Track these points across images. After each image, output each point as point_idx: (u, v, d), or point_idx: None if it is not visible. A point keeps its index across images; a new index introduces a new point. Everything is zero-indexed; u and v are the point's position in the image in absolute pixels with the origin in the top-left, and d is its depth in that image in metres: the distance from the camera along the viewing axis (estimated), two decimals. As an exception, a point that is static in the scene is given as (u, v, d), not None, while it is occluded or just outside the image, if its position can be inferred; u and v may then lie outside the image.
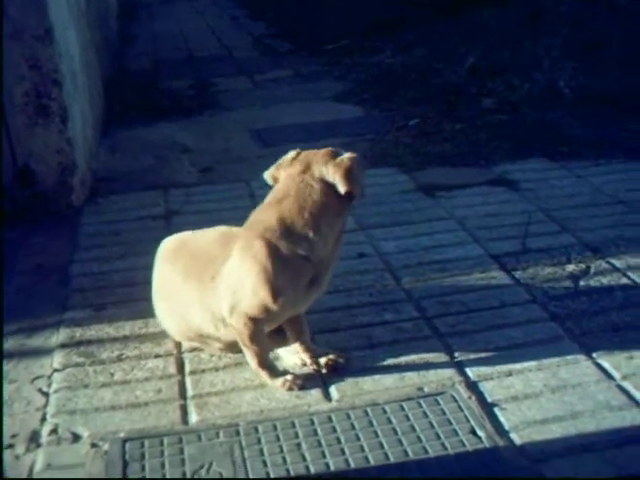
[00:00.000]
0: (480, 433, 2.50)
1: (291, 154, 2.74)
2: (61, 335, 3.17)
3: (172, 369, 2.91)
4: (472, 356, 2.89)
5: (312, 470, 2.38)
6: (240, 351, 2.82)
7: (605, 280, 3.39)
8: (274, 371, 2.79)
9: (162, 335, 3.10)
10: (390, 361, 2.88)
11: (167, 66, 8.60)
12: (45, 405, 2.73)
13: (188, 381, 2.84)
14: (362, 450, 2.46)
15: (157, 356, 2.99)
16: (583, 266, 3.51)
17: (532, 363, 2.83)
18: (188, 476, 2.38)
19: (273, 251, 2.59)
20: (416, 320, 3.15)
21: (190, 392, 2.77)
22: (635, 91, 5.78)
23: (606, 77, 6.13)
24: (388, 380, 2.78)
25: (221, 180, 4.81)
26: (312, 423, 2.59)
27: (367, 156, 5.13)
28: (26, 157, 4.32)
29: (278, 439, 2.52)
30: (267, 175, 2.77)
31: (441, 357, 2.90)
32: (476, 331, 3.05)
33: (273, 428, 2.57)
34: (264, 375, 2.77)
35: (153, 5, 14.42)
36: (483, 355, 2.90)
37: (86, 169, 4.73)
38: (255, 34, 10.39)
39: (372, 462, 2.41)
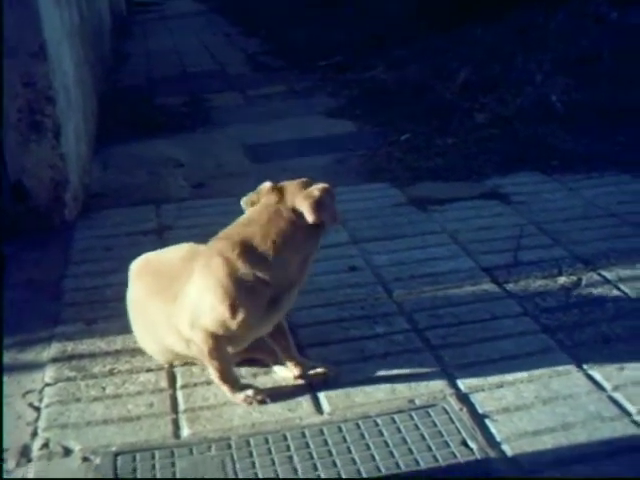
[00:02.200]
0: (472, 445, 2.50)
1: (267, 185, 2.77)
2: (53, 349, 3.16)
3: (164, 383, 2.91)
4: (463, 368, 2.89)
5: (304, 483, 2.39)
6: None
7: (596, 292, 3.40)
8: (236, 385, 2.78)
9: (154, 349, 3.10)
10: (382, 373, 2.88)
11: (161, 83, 8.63)
12: (36, 419, 2.73)
13: (180, 395, 2.83)
14: (354, 462, 2.46)
15: (149, 370, 2.99)
16: (574, 278, 3.52)
17: (523, 374, 2.84)
18: (179, 489, 2.38)
19: (231, 269, 2.61)
20: (408, 333, 3.15)
21: (182, 406, 2.77)
22: (626, 104, 5.82)
23: (597, 91, 6.17)
24: (380, 393, 2.78)
25: (214, 195, 4.82)
26: (304, 436, 2.58)
27: (360, 171, 5.17)
28: (19, 173, 4.32)
29: (270, 452, 2.52)
30: (244, 202, 2.80)
31: (432, 369, 2.90)
32: (467, 343, 3.06)
33: (265, 441, 2.56)
34: (226, 389, 2.77)
35: (147, 22, 14.50)
36: (474, 367, 2.90)
37: (79, 185, 4.73)
38: (248, 51, 10.43)
39: (364, 474, 2.41)
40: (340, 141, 5.93)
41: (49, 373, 3.00)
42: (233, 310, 2.61)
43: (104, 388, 2.89)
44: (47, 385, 2.93)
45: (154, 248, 3.22)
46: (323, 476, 2.41)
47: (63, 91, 4.60)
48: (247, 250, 2.63)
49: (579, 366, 2.87)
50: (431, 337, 3.10)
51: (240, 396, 2.75)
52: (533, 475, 2.36)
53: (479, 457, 2.45)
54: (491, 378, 2.83)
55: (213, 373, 2.77)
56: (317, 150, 5.69)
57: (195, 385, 2.89)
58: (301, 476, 2.41)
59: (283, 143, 5.98)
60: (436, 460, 2.45)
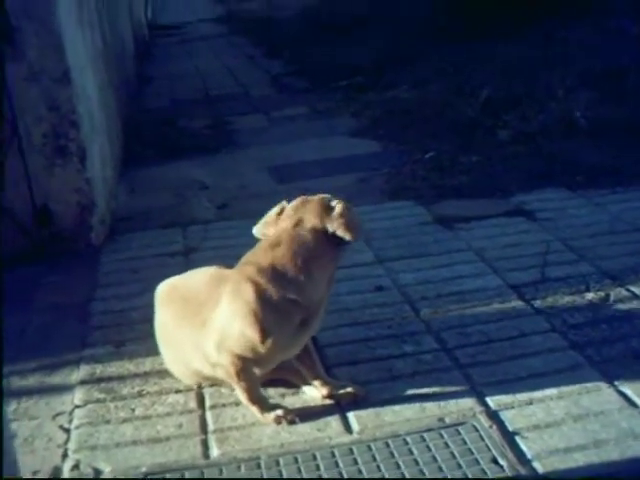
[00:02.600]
0: (502, 462, 2.49)
1: (275, 210, 2.79)
2: (81, 372, 3.18)
3: (193, 404, 2.91)
4: (492, 386, 2.87)
5: (334, 502, 2.38)
6: None
7: (625, 307, 3.37)
8: (265, 406, 2.78)
9: (182, 370, 3.11)
10: (411, 392, 2.87)
11: (184, 105, 8.69)
12: (66, 441, 2.74)
13: (209, 415, 2.84)
14: (384, 482, 2.45)
15: (177, 391, 2.99)
16: (602, 294, 3.49)
17: (553, 391, 2.82)
18: (210, 510, 2.38)
19: (262, 294, 2.61)
20: (436, 352, 3.14)
21: (211, 426, 2.77)
22: (651, 119, 5.79)
23: (622, 105, 6.14)
24: (409, 411, 2.77)
25: (238, 216, 4.83)
26: (333, 455, 2.58)
27: (384, 190, 5.17)
28: (45, 197, 4.36)
29: (299, 471, 2.51)
30: (256, 231, 2.82)
31: (462, 387, 2.88)
32: (496, 361, 3.04)
33: (294, 461, 2.56)
34: (255, 410, 2.77)
35: (169, 46, 14.60)
36: (503, 385, 2.88)
37: (105, 208, 4.76)
38: (271, 72, 10.48)
39: (394, 494, 2.40)
40: (364, 161, 5.94)
41: (78, 395, 3.02)
42: (263, 335, 2.61)
43: (133, 409, 2.90)
44: (77, 407, 2.94)
45: (180, 270, 3.24)
46: (353, 496, 2.40)
47: (87, 115, 4.65)
48: (277, 273, 2.63)
49: (609, 382, 2.84)
50: (460, 355, 3.09)
51: (270, 416, 2.75)
52: (565, 493, 2.34)
53: (510, 474, 2.43)
54: (520, 395, 2.81)
55: (241, 394, 2.77)
56: (341, 170, 5.70)
57: (224, 406, 2.89)
58: (331, 496, 2.40)
59: (307, 164, 5.99)
60: (466, 478, 2.43)
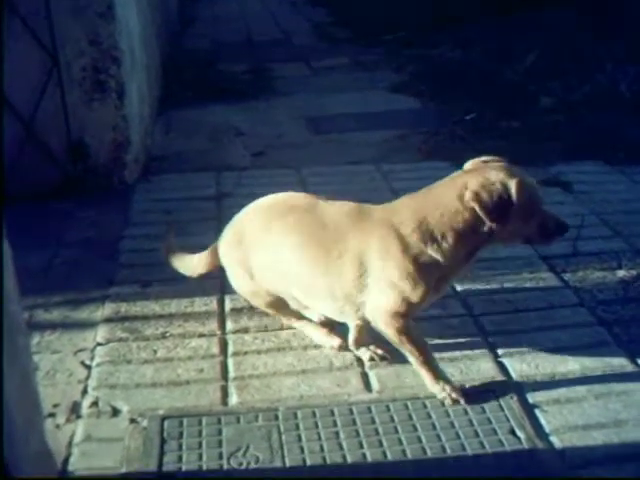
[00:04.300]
0: (520, 434, 2.48)
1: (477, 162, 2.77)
2: (106, 309, 3.19)
3: (215, 349, 2.92)
4: (516, 356, 2.86)
5: (349, 459, 2.38)
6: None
7: (656, 288, 3.34)
8: (439, 375, 2.68)
9: (207, 315, 3.12)
10: (434, 356, 2.85)
11: (225, 48, 8.63)
12: (87, 378, 2.76)
13: (230, 362, 2.85)
14: (400, 443, 2.45)
15: (201, 335, 3.00)
16: (634, 272, 3.45)
17: (576, 367, 2.80)
18: (225, 457, 2.39)
19: (413, 250, 2.54)
20: (462, 317, 3.12)
21: (232, 374, 2.78)
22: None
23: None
24: (430, 375, 2.76)
25: (272, 165, 4.81)
26: (351, 413, 2.58)
27: (422, 148, 5.12)
28: (81, 131, 4.36)
29: (316, 426, 2.52)
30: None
31: (485, 355, 2.87)
32: (522, 331, 3.02)
33: (312, 415, 2.57)
34: (426, 375, 2.67)
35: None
36: (527, 356, 2.86)
37: (140, 147, 4.75)
38: (314, 20, 10.38)
39: (409, 456, 2.40)
40: (403, 117, 5.89)
41: (101, 333, 3.03)
42: (416, 288, 2.54)
43: (155, 351, 2.91)
44: (99, 345, 2.96)
45: (213, 214, 3.23)
46: (368, 454, 2.40)
47: (128, 52, 4.62)
48: (429, 233, 2.54)
49: (634, 362, 2.82)
50: (485, 323, 3.07)
51: (437, 387, 2.65)
52: (581, 470, 2.32)
53: (526, 447, 2.43)
54: (544, 368, 2.79)
55: (413, 358, 2.66)
56: (379, 125, 5.65)
57: (246, 353, 2.89)
58: (346, 453, 2.40)
59: (345, 116, 5.94)
60: (483, 447, 2.43)
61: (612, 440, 2.44)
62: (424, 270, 2.55)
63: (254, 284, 2.88)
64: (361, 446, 2.44)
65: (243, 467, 2.36)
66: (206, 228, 3.43)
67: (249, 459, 2.39)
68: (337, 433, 2.49)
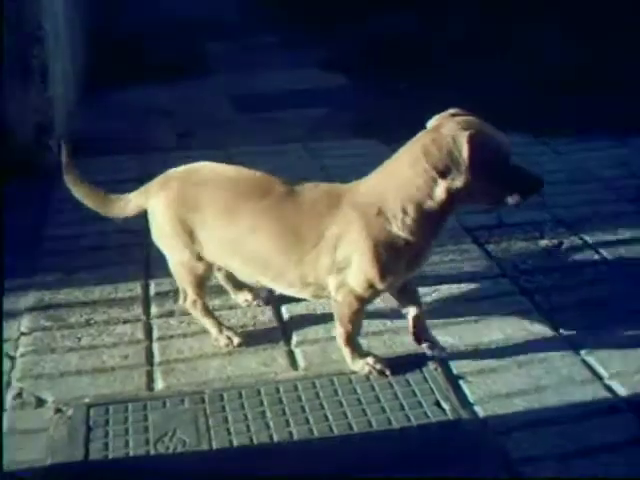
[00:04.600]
0: (444, 405, 2.52)
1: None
2: (30, 298, 3.15)
3: (140, 335, 2.91)
4: (439, 328, 2.88)
5: (275, 438, 2.39)
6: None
7: (577, 256, 3.40)
8: (359, 351, 2.70)
9: (131, 300, 3.11)
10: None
11: (154, 27, 8.49)
12: (11, 369, 2.72)
13: (155, 347, 2.84)
14: (326, 419, 2.47)
15: (125, 321, 2.99)
16: (556, 242, 3.51)
17: (500, 336, 2.85)
18: (152, 443, 2.38)
19: (384, 231, 2.48)
20: (386, 291, 3.14)
21: (157, 358, 2.77)
22: None
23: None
24: (355, 350, 2.78)
25: (199, 145, 4.76)
26: (278, 391, 2.60)
27: (351, 125, 5.12)
28: (2, 113, 4.26)
29: (243, 407, 2.53)
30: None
31: (408, 328, 2.89)
32: (444, 303, 3.06)
33: (238, 396, 2.57)
34: (347, 352, 2.69)
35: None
36: (451, 327, 2.90)
37: (64, 130, 4.68)
38: (244, -3, 10.27)
39: (336, 431, 2.42)
40: (332, 94, 5.88)
41: (25, 322, 2.99)
42: (383, 273, 2.51)
43: (80, 339, 2.89)
44: (23, 334, 2.92)
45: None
46: (295, 432, 2.41)
47: (52, 32, 4.52)
48: (385, 209, 2.47)
49: (555, 329, 2.88)
50: (409, 296, 3.09)
51: (359, 363, 2.68)
52: (503, 436, 2.37)
53: (451, 417, 2.47)
54: (467, 339, 2.84)
55: (341, 335, 2.67)
56: (308, 103, 5.64)
57: (171, 337, 2.89)
58: (273, 432, 2.42)
59: (274, 94, 5.92)
60: (408, 419, 2.46)
61: (533, 406, 2.50)
62: (394, 254, 2.49)
63: (190, 250, 2.71)
64: (288, 424, 2.45)
65: (170, 452, 2.35)
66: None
67: (176, 443, 2.38)
68: (263, 412, 2.50)
